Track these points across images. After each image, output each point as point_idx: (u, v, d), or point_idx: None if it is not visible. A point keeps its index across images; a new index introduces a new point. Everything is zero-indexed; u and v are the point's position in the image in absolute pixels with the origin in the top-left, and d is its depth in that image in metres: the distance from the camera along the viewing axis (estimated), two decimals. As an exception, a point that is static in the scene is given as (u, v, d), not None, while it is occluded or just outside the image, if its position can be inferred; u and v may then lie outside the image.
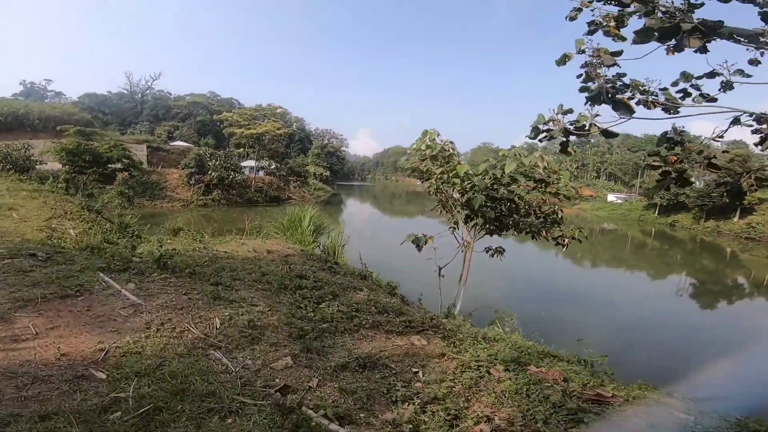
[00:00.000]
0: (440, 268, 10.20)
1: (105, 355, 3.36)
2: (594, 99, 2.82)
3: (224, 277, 6.41)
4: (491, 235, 10.43)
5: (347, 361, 3.81)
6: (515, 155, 9.16)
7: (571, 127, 2.98)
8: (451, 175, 10.13)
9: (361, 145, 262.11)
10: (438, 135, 11.02)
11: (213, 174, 36.75)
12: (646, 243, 40.77)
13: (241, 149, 47.95)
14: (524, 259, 23.05)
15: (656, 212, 49.58)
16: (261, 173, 45.23)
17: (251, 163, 45.67)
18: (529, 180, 8.89)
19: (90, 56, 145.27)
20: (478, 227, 10.11)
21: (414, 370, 3.88)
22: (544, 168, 8.88)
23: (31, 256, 6.19)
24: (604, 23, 2.82)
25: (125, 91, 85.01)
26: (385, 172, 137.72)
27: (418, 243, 9.65)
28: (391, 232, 32.37)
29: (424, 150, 10.66)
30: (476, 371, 3.81)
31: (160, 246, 7.39)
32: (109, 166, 22.54)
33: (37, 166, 27.01)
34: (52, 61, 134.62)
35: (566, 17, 2.99)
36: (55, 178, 18.95)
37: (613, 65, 2.78)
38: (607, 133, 2.88)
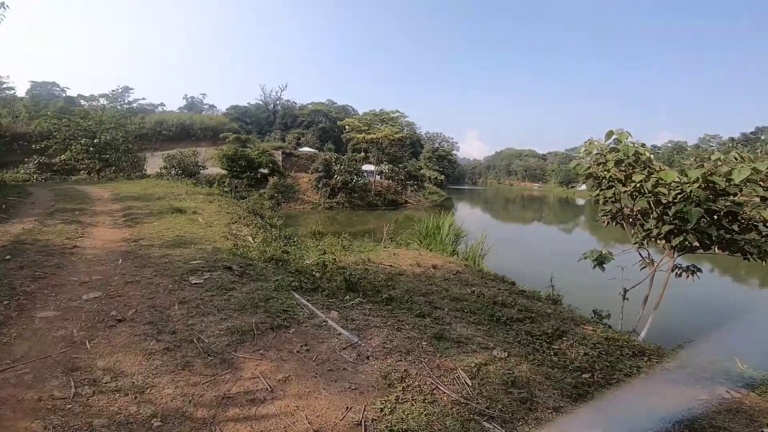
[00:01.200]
0: (625, 291, 8.29)
1: (365, 433, 2.78)
2: None
3: (419, 302, 5.90)
4: (692, 252, 8.07)
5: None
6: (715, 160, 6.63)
7: None
8: (651, 183, 7.83)
9: (468, 148, 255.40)
10: (629, 136, 8.62)
11: (338, 178, 38.24)
12: None
13: (361, 154, 49.51)
14: (716, 282, 18.32)
15: None
16: (378, 177, 45.90)
17: (369, 167, 46.69)
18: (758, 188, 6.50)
19: (233, 72, 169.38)
20: (677, 245, 7.78)
21: None
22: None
23: (227, 270, 5.83)
24: None
25: (261, 102, 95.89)
26: (498, 175, 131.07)
27: (602, 261, 8.25)
28: (520, 241, 29.53)
29: (605, 154, 8.48)
30: None
31: (323, 255, 6.93)
32: (259, 171, 24.86)
33: (201, 171, 31.31)
34: (207, 78, 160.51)
35: None
36: (219, 182, 21.33)
37: None
38: None
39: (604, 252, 8.31)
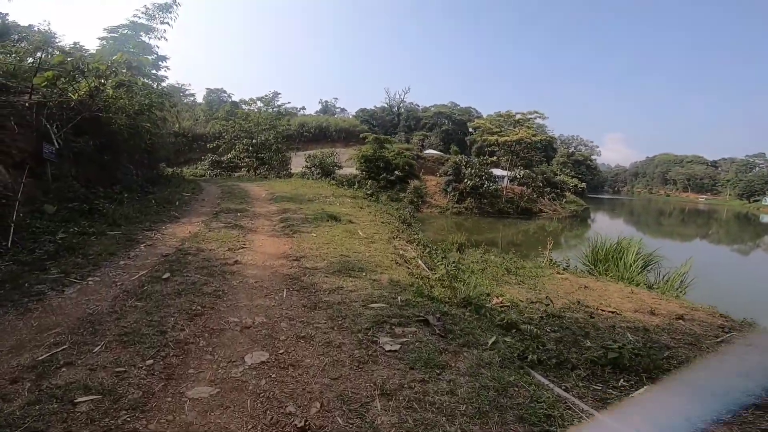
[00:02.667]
0: None
1: None
2: None
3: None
4: None
5: None
6: None
7: None
8: None
9: (609, 153, 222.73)
10: None
11: (468, 182, 35.33)
12: None
13: (487, 157, 45.56)
14: None
15: None
16: (505, 182, 41.35)
17: (499, 171, 42.44)
18: None
19: (360, 77, 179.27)
20: None
21: None
22: None
23: (423, 324, 3.69)
24: None
25: (386, 105, 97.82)
26: (650, 183, 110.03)
27: None
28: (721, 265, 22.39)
29: None
30: None
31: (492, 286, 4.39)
32: (395, 173, 23.96)
33: (335, 171, 32.02)
34: (339, 83, 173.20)
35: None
36: (360, 184, 20.81)
37: None
38: None
39: None
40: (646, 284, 10.93)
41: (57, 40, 19.38)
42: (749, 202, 72.69)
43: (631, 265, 11.92)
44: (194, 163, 42.22)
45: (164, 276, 4.84)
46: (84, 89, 10.01)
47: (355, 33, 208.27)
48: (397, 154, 24.76)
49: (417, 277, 5.63)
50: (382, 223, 9.29)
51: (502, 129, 39.53)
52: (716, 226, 54.26)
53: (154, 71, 20.57)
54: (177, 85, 64.61)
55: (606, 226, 49.11)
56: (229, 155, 33.67)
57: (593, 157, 77.42)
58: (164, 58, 20.56)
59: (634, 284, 10.45)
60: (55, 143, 8.34)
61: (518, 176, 39.29)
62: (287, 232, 7.67)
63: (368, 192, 17.29)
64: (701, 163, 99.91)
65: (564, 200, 49.30)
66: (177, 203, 10.52)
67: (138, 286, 4.53)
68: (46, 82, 8.72)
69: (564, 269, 12.12)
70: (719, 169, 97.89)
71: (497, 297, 6.30)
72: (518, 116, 39.78)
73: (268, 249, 6.50)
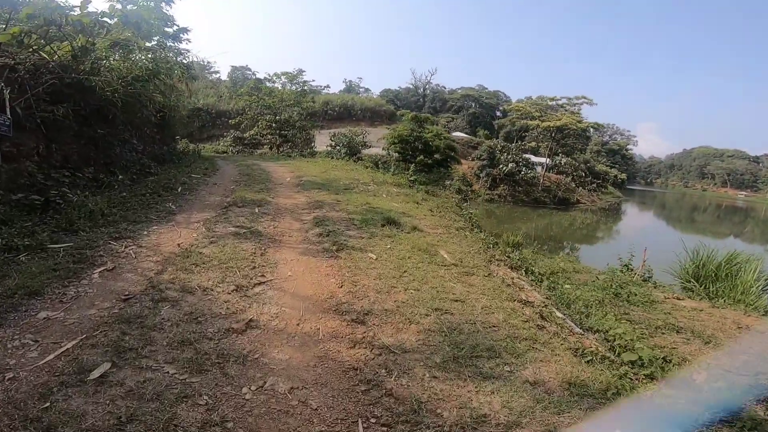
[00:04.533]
0: None
1: None
2: None
3: None
4: None
5: None
6: None
7: None
8: None
9: (643, 143, 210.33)
10: None
11: (504, 168, 31.92)
12: None
13: (522, 143, 41.63)
14: None
15: None
16: (543, 169, 37.59)
17: (534, 158, 38.60)
18: None
19: (384, 57, 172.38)
20: None
21: None
22: None
23: None
24: None
25: (411, 86, 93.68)
26: (686, 176, 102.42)
27: None
28: None
29: None
30: None
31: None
32: (434, 156, 20.99)
33: (362, 151, 29.31)
34: (360, 62, 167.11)
35: None
36: (395, 167, 17.93)
37: None
38: None
39: None
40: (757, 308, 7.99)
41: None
42: (793, 202, 66.20)
43: (751, 286, 8.91)
44: (217, 140, 40.86)
45: (94, 373, 2.21)
46: (66, 49, 7.49)
47: (384, 11, 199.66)
48: (436, 136, 21.69)
49: (594, 359, 2.84)
50: (457, 231, 6.46)
51: (543, 114, 35.46)
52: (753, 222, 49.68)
53: (173, 42, 18.12)
54: (202, 62, 62.90)
55: (646, 221, 45.30)
56: (252, 132, 31.53)
57: (629, 147, 71.67)
58: (185, 30, 17.86)
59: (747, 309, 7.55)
60: (7, 112, 5.77)
61: (560, 164, 35.45)
62: (329, 247, 4.93)
63: (411, 179, 14.44)
64: (743, 158, 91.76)
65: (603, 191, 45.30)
66: (180, 189, 7.94)
67: (20, 403, 1.92)
68: (12, 39, 6.22)
69: (654, 284, 9.25)
70: (761, 164, 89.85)
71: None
72: (563, 101, 35.50)
73: (303, 287, 3.80)
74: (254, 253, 4.57)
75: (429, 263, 4.54)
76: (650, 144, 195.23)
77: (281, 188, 9.19)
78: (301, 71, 35.59)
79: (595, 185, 38.38)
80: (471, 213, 8.35)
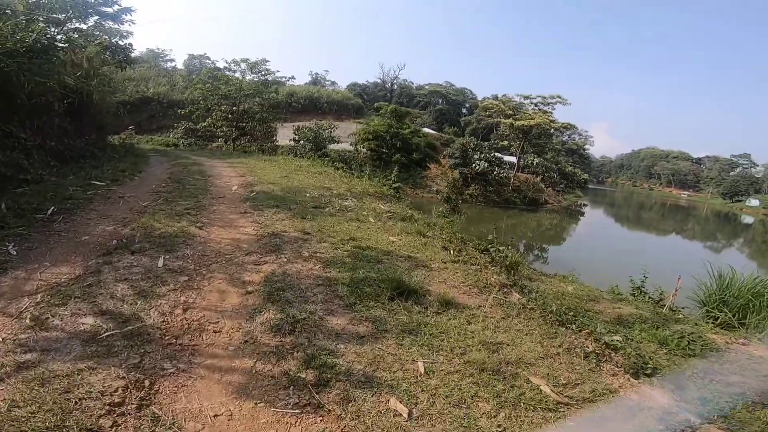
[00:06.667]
0: None
1: None
2: None
3: None
4: None
5: None
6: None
7: None
8: None
9: (595, 143, 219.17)
10: None
11: (476, 167, 30.23)
12: None
13: (502, 141, 40.30)
14: None
15: None
16: (514, 169, 36.50)
17: (505, 157, 37.41)
18: None
19: (351, 51, 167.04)
20: None
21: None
22: None
23: None
24: None
25: (379, 80, 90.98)
26: (634, 176, 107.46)
27: None
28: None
29: None
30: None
31: None
32: (412, 155, 18.58)
33: (327, 146, 26.45)
34: (328, 54, 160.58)
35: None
36: (370, 167, 15.23)
37: None
38: None
39: None
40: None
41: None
42: (732, 202, 70.65)
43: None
44: (167, 131, 36.61)
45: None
46: None
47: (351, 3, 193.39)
48: (414, 133, 19.30)
49: None
50: (503, 292, 3.98)
51: (516, 112, 34.10)
52: (695, 220, 52.39)
53: (115, 24, 14.74)
54: (156, 50, 56.81)
55: (602, 220, 45.93)
56: (204, 123, 27.60)
57: (586, 147, 73.29)
58: (128, 11, 14.20)
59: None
60: None
61: (532, 164, 34.33)
62: (299, 378, 2.26)
63: (395, 186, 11.89)
64: (686, 159, 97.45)
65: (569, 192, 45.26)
66: (52, 211, 4.90)
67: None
68: None
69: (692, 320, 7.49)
70: (703, 166, 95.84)
71: None
72: (537, 99, 34.30)
73: None
74: (120, 401, 1.88)
75: (524, 414, 2.05)
76: (601, 143, 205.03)
77: (221, 205, 6.30)
78: (264, 60, 32.07)
79: (563, 185, 37.76)
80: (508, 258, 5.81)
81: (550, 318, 3.53)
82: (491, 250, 5.90)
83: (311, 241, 4.70)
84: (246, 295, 3.33)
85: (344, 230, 5.25)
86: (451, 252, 5.09)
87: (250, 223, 5.32)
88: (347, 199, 7.46)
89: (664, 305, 9.65)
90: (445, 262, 4.66)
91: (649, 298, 9.82)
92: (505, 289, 4.39)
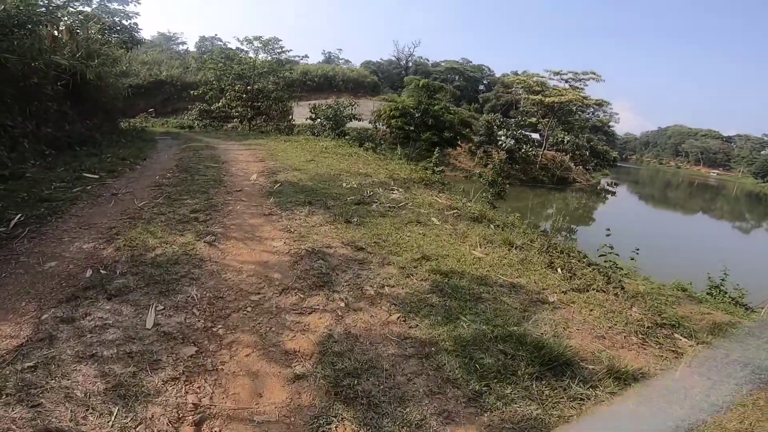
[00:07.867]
0: None
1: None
2: None
3: None
4: None
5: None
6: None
7: None
8: None
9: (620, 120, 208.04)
10: None
11: (503, 145, 28.08)
12: None
13: (509, 118, 37.64)
14: None
15: None
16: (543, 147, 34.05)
17: (532, 134, 34.94)
18: None
19: (368, 27, 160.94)
20: None
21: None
22: None
23: None
24: None
25: (393, 58, 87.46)
26: (660, 154, 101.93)
27: None
28: None
29: None
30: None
31: None
32: (444, 134, 16.76)
33: (346, 125, 24.84)
34: (342, 32, 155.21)
35: None
36: (399, 146, 13.51)
37: None
38: None
39: None
40: None
41: None
42: (764, 182, 65.98)
43: None
44: (182, 113, 35.66)
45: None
46: None
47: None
48: (444, 109, 17.37)
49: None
50: (664, 356, 2.52)
51: (546, 89, 31.34)
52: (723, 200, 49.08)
53: (115, 3, 13.56)
54: (167, 33, 55.62)
55: (633, 200, 43.29)
56: (219, 104, 26.27)
57: (611, 124, 68.94)
58: None
59: None
60: None
61: (563, 141, 31.88)
62: None
63: (436, 169, 10.28)
64: (716, 137, 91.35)
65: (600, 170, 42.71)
66: (15, 223, 3.59)
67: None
68: None
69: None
70: (733, 144, 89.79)
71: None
72: (569, 75, 31.33)
73: None
74: None
75: None
76: (626, 121, 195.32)
77: (238, 203, 4.87)
78: (276, 39, 30.58)
79: (594, 164, 35.25)
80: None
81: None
82: (607, 264, 4.32)
83: (370, 263, 3.22)
84: (294, 383, 1.90)
85: (408, 241, 3.74)
86: (560, 271, 3.56)
87: (278, 231, 3.85)
88: (393, 190, 5.93)
89: (745, 305, 8.07)
90: (564, 292, 3.14)
91: (730, 298, 8.28)
92: (664, 331, 2.89)
